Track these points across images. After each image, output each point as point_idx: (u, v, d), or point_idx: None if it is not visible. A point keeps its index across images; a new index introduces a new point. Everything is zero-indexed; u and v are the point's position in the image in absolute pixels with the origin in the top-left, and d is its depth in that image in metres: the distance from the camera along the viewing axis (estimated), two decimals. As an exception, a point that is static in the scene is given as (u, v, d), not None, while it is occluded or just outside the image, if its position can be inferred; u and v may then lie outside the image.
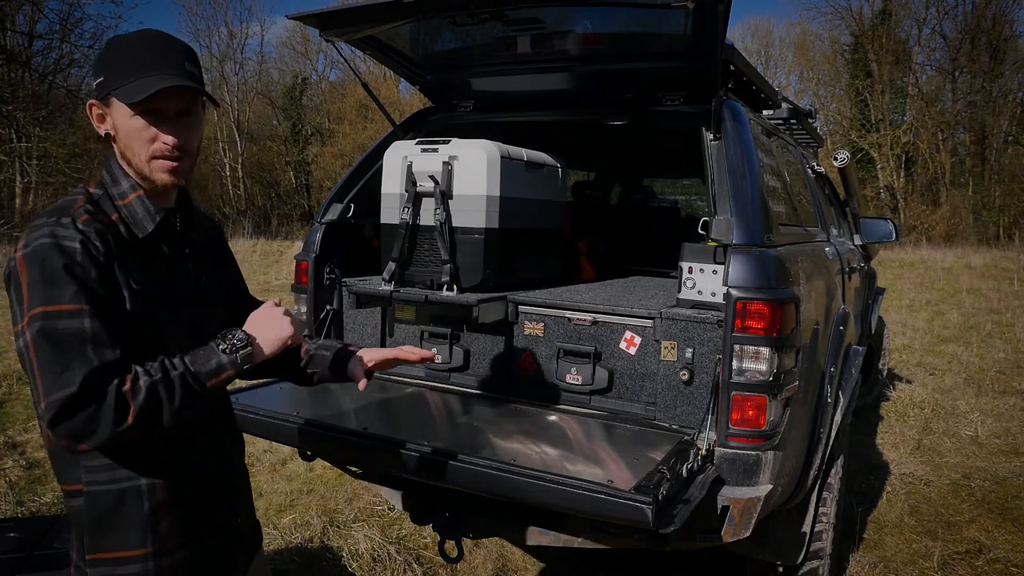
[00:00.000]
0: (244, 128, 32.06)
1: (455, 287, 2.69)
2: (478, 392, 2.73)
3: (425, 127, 3.33)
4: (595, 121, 3.40)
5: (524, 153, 2.91)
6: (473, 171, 2.68)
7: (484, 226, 2.70)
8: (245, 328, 1.34)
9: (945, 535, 3.70)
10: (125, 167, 1.36)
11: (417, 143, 2.80)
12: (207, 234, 1.54)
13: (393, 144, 2.87)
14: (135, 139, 1.31)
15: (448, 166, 2.70)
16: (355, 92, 28.01)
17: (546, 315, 2.66)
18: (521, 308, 2.70)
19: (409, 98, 26.39)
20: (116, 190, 1.35)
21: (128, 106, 1.28)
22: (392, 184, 2.83)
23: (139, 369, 1.20)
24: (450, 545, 2.49)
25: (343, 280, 3.01)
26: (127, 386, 1.18)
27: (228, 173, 31.87)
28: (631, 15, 2.67)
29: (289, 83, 31.97)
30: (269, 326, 1.36)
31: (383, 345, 2.99)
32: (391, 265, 2.80)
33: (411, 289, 2.77)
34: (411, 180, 2.75)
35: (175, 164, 1.33)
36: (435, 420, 2.46)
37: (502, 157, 2.73)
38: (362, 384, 1.65)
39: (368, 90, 3.34)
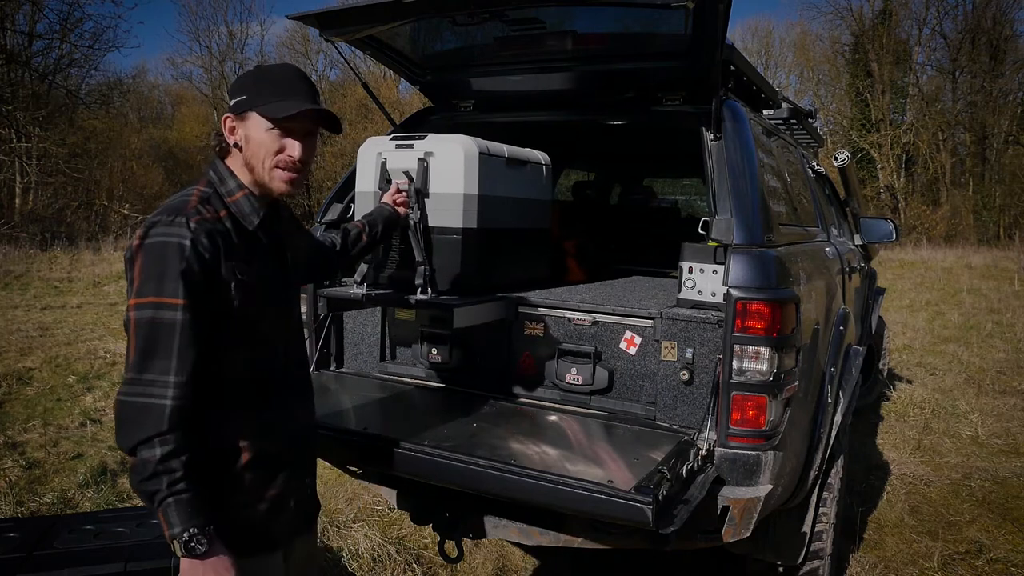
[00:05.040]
0: (244, 128, 32.02)
1: (429, 290, 2.57)
2: (478, 392, 2.73)
3: (425, 127, 3.33)
4: (595, 121, 3.39)
5: (505, 149, 2.79)
6: (450, 168, 2.57)
7: (462, 226, 2.57)
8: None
9: (945, 535, 3.70)
10: (237, 171, 1.59)
11: (392, 139, 2.70)
12: (284, 216, 1.77)
13: (367, 140, 2.77)
14: (264, 149, 1.55)
15: (424, 163, 2.58)
16: (355, 92, 27.99)
17: (546, 315, 2.66)
18: (521, 308, 2.70)
19: (409, 98, 26.38)
20: (224, 188, 1.58)
21: (268, 120, 1.53)
22: (366, 182, 2.73)
23: (183, 447, 1.40)
24: (450, 545, 2.49)
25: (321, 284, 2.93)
26: (167, 433, 1.38)
27: (228, 173, 31.83)
28: (631, 15, 2.67)
29: (289, 83, 31.91)
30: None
31: (383, 346, 2.99)
32: (363, 266, 2.70)
33: (385, 292, 2.69)
34: (385, 177, 2.65)
35: (294, 176, 1.59)
36: (435, 420, 2.46)
37: (480, 153, 2.61)
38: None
39: (368, 90, 3.34)
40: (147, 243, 1.45)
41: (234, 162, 1.61)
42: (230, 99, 1.60)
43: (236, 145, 1.58)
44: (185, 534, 1.38)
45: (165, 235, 1.44)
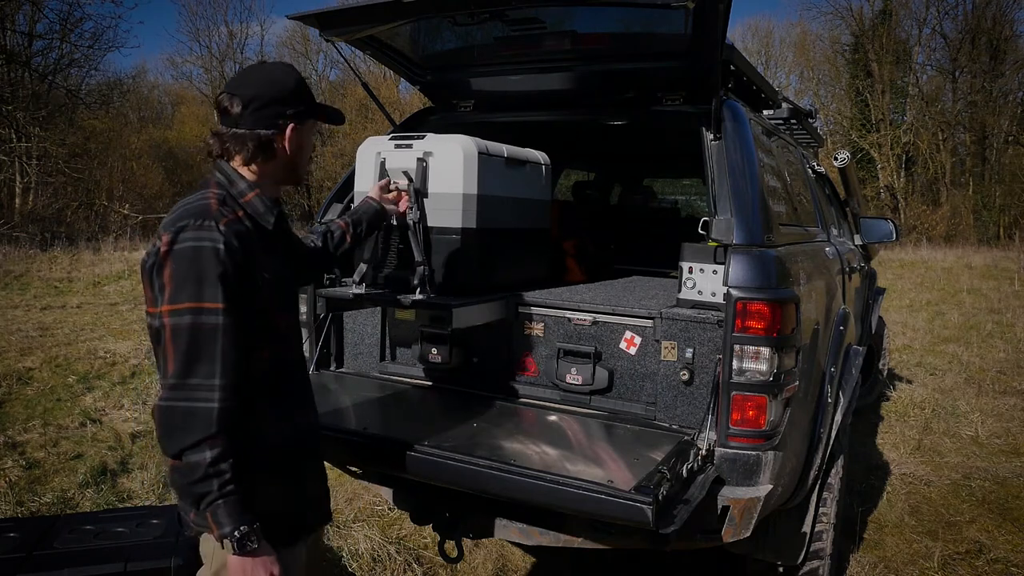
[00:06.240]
0: (244, 128, 31.97)
1: (429, 290, 2.55)
2: (478, 392, 2.73)
3: (425, 127, 3.33)
4: (595, 121, 3.39)
5: (504, 149, 2.77)
6: (449, 168, 2.55)
7: (461, 226, 2.56)
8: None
9: (945, 535, 3.70)
10: (245, 173, 1.62)
11: (391, 138, 2.69)
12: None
13: (367, 140, 2.77)
14: (309, 150, 1.72)
15: (423, 163, 2.57)
16: (355, 92, 27.98)
17: (546, 315, 2.65)
18: (521, 308, 2.70)
19: (409, 98, 26.39)
20: (235, 190, 1.60)
21: (322, 123, 1.71)
22: (365, 182, 2.71)
23: (230, 448, 1.42)
24: (450, 545, 2.49)
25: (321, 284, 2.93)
26: (216, 437, 1.41)
27: (228, 173, 31.80)
28: (631, 15, 2.67)
29: (289, 83, 31.90)
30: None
31: (383, 346, 2.99)
32: (362, 267, 2.69)
33: (384, 292, 2.68)
34: (384, 177, 2.62)
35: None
36: (435, 420, 2.46)
37: (480, 153, 2.60)
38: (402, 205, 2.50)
39: (368, 90, 3.34)
40: (177, 248, 1.44)
41: (259, 166, 1.63)
42: (284, 107, 1.60)
43: (283, 150, 1.63)
44: (237, 532, 1.41)
45: (196, 239, 1.44)
